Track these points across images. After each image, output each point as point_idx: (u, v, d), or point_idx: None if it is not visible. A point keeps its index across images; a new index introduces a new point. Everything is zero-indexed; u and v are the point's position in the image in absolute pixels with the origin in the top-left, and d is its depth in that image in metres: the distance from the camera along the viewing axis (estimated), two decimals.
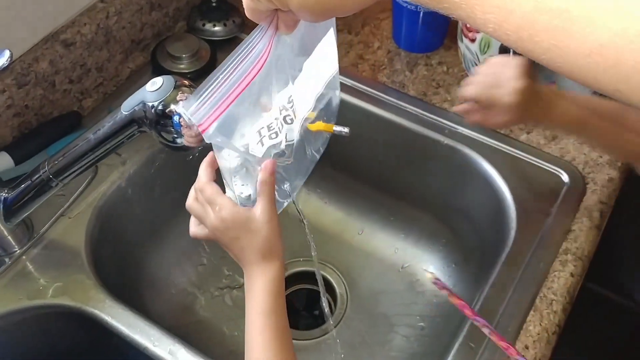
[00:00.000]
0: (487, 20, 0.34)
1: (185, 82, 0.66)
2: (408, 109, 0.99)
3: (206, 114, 0.53)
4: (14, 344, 0.82)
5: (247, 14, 0.50)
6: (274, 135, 0.61)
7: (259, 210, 0.62)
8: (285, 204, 0.70)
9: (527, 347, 0.77)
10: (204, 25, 1.06)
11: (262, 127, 0.61)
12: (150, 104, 0.64)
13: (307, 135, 0.68)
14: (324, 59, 0.66)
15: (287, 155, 0.65)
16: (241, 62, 0.54)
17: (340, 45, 1.07)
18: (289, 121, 0.63)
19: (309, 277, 1.05)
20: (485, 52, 0.94)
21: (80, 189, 0.89)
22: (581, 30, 0.31)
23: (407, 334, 0.97)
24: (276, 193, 0.66)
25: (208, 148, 0.68)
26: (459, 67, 1.05)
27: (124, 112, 0.66)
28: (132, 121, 0.65)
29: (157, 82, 0.64)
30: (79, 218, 0.87)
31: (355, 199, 1.11)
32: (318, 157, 0.73)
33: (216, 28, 1.06)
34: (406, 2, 1.01)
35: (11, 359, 0.84)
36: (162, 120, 0.64)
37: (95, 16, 0.94)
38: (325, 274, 1.05)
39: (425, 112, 0.99)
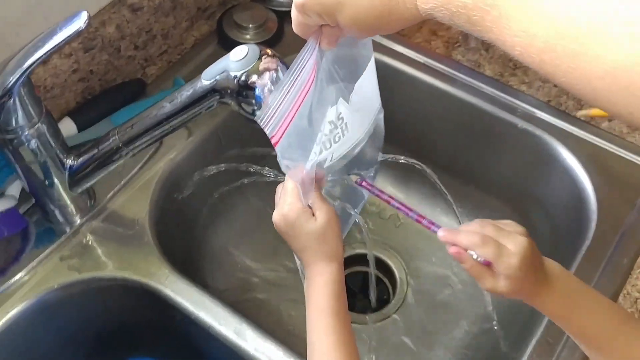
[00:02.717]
0: (515, 44, 0.36)
1: (269, 51, 0.63)
2: (483, 89, 0.95)
3: (277, 124, 0.56)
4: (75, 315, 0.81)
5: (295, 28, 0.52)
6: (319, 150, 0.61)
7: (317, 212, 0.62)
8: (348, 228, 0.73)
9: None
10: None
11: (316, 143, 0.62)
12: (233, 74, 0.61)
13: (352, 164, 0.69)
14: (370, 88, 0.65)
15: (329, 174, 0.67)
16: (298, 75, 0.56)
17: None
18: (337, 139, 0.63)
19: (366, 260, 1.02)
20: None
21: (144, 160, 0.86)
22: (595, 53, 0.33)
23: (472, 326, 0.94)
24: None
25: None
26: None
27: (204, 81, 0.63)
28: (214, 91, 0.62)
29: (242, 51, 0.61)
30: (142, 190, 0.85)
31: (417, 181, 1.07)
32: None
33: None
34: None
35: (73, 329, 0.82)
36: (244, 91, 0.61)
37: None
38: (384, 257, 1.02)
39: (501, 93, 0.94)
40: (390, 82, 1.00)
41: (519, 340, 0.79)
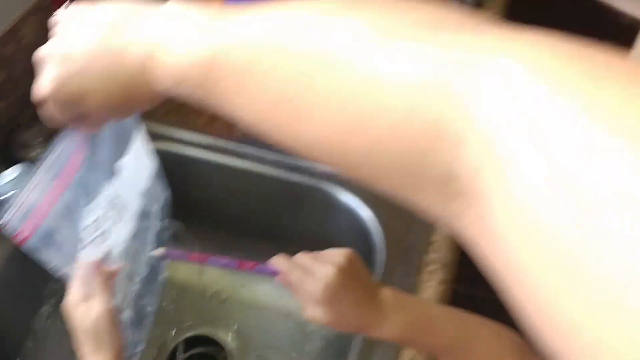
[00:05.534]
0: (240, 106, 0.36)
1: None
2: (268, 157, 1.03)
3: (21, 222, 0.53)
4: None
5: (50, 124, 0.51)
6: (100, 240, 0.62)
7: (92, 302, 0.62)
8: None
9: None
10: None
11: (87, 228, 0.61)
12: None
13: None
14: (143, 154, 0.67)
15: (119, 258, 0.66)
16: (51, 168, 0.55)
17: (194, 108, 1.10)
18: (117, 221, 0.64)
19: (199, 340, 1.04)
20: None
21: None
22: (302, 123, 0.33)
23: None
24: None
25: None
26: None
27: None
28: None
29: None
30: None
31: (234, 253, 1.12)
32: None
33: None
34: None
35: None
36: None
37: None
38: (214, 333, 1.04)
39: (284, 156, 1.02)
40: (180, 168, 1.05)
41: None
